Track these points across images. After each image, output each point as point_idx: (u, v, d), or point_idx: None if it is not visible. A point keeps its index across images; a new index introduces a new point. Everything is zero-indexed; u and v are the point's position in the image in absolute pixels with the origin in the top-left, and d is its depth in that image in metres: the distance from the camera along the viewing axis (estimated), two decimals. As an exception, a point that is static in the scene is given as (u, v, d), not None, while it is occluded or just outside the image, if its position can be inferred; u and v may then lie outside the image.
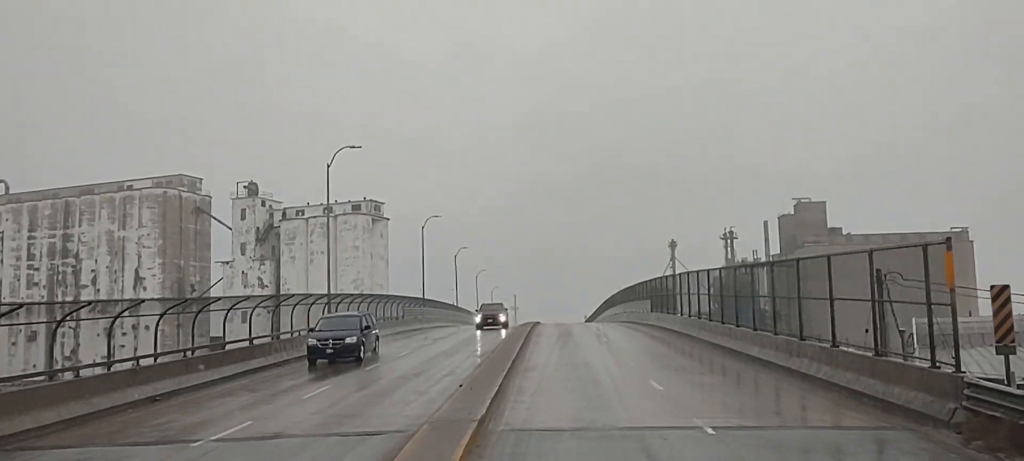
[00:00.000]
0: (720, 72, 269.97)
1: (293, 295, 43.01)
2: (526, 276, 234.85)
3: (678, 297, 43.68)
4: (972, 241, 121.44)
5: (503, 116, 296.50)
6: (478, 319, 58.36)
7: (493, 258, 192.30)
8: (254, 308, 36.44)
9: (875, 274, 18.76)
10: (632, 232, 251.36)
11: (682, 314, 41.57)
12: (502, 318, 57.63)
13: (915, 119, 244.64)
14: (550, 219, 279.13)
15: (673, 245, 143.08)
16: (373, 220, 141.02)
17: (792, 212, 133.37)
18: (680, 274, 46.20)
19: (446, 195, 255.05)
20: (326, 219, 53.71)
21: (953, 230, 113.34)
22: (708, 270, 37.54)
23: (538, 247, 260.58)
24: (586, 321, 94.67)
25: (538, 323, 65.50)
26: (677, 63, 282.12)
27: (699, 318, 37.31)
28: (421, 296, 78.91)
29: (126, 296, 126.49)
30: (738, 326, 30.16)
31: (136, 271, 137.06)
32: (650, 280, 59.80)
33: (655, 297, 52.87)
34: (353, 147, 46.72)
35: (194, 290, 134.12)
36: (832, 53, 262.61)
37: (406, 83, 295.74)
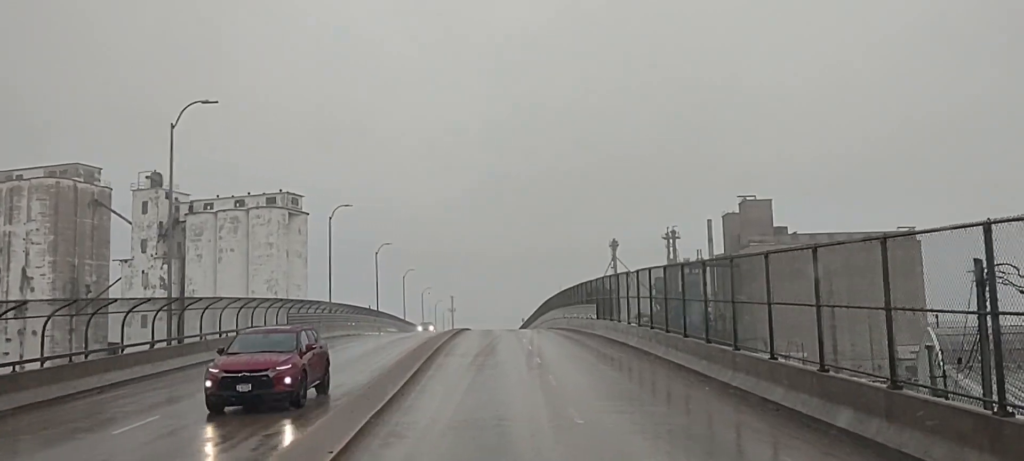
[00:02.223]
0: (669, 72, 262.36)
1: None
2: (469, 275, 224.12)
3: (627, 301, 34.93)
4: (920, 240, 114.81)
5: (462, 112, 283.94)
6: (208, 380, 18.76)
7: (433, 257, 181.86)
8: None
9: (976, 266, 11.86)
10: (572, 231, 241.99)
11: (640, 324, 31.73)
12: (287, 378, 18.71)
13: (862, 122, 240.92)
14: (493, 219, 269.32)
15: (614, 244, 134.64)
16: (290, 214, 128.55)
17: (737, 211, 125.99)
18: (628, 273, 36.86)
19: (397, 189, 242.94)
20: (171, 205, 42.44)
21: (900, 229, 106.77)
22: (679, 267, 27.67)
23: (480, 245, 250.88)
24: (521, 327, 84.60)
25: (464, 331, 55.66)
26: (622, 64, 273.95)
27: (666, 331, 27.26)
28: (328, 300, 67.95)
29: (11, 297, 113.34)
30: (737, 349, 19.99)
31: (23, 270, 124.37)
32: (591, 281, 50.39)
33: (601, 302, 43.06)
34: (206, 102, 35.68)
35: (90, 291, 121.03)
36: (781, 55, 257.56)
37: (362, 75, 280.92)
